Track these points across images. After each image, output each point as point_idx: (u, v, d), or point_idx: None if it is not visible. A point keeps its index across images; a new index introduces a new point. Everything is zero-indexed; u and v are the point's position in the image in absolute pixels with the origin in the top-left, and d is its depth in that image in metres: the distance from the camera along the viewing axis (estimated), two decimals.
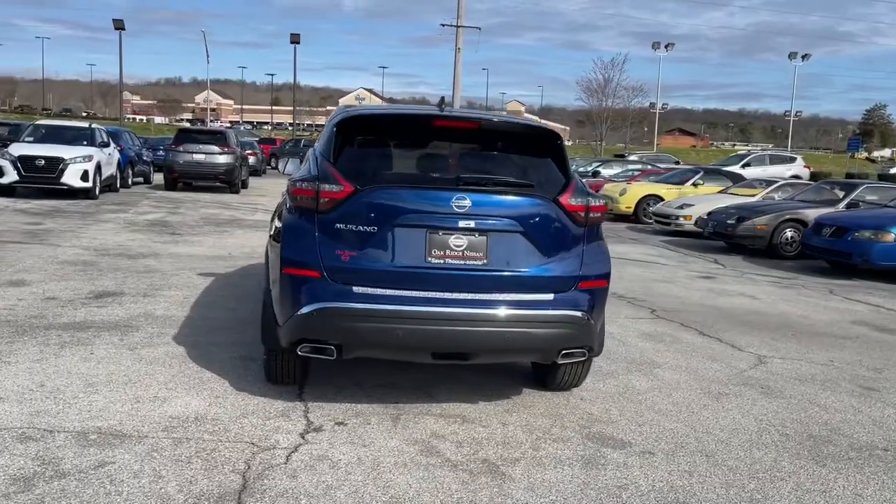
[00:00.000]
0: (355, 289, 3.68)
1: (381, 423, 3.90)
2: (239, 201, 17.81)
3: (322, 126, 5.55)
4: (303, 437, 3.65)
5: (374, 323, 3.66)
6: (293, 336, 3.75)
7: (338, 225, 3.72)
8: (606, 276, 4.05)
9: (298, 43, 53.08)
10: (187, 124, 70.97)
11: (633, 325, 6.61)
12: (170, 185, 19.59)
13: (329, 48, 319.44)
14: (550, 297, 3.85)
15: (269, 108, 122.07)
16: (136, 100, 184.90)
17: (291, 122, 76.49)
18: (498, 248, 3.80)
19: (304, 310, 3.69)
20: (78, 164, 15.04)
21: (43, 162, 14.77)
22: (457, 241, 3.74)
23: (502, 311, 3.74)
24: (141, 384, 4.27)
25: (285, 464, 3.34)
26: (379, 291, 3.69)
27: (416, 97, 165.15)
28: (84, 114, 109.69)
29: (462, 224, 3.74)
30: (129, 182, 19.81)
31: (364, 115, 4.04)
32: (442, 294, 3.71)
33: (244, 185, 21.99)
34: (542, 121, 5.96)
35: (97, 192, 15.62)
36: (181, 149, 19.17)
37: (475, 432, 3.86)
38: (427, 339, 3.72)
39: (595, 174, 22.89)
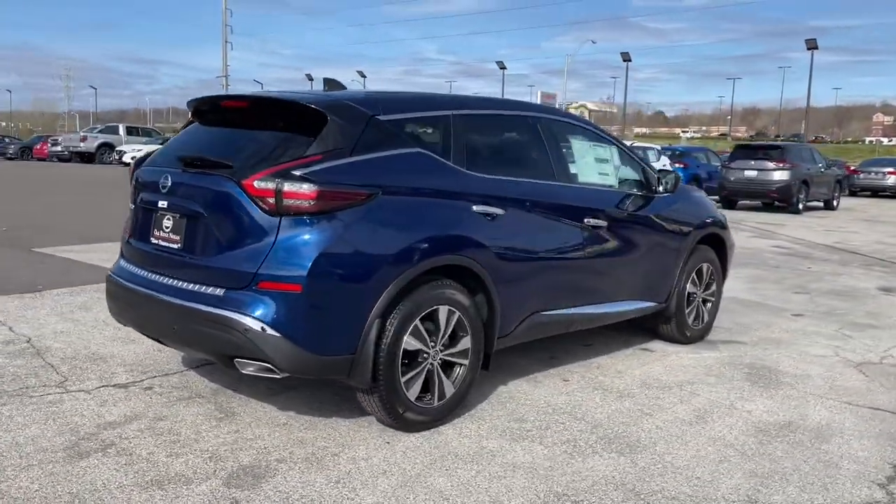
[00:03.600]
0: (120, 261, 3.99)
1: (171, 397, 4.04)
2: (785, 223, 16.21)
3: None
4: (91, 389, 4.14)
5: (109, 296, 3.91)
6: None
7: (130, 202, 4.08)
8: (299, 280, 3.21)
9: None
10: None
11: (804, 408, 4.30)
12: (724, 203, 19.06)
13: None
14: (220, 292, 3.34)
15: None
16: (888, 121, 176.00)
17: None
18: (192, 231, 3.51)
19: None
20: None
21: None
22: (167, 221, 3.64)
23: (177, 301, 3.46)
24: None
25: (15, 396, 3.96)
26: (123, 265, 3.90)
27: None
28: (813, 138, 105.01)
29: (161, 203, 3.62)
30: None
31: (196, 98, 4.13)
32: (152, 275, 3.68)
33: (830, 205, 19.73)
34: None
35: None
36: (734, 165, 18.46)
37: (187, 426, 3.66)
38: (128, 318, 3.76)
39: None
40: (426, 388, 3.68)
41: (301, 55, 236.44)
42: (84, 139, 36.34)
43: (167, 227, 3.61)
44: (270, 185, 3.23)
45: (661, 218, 5.09)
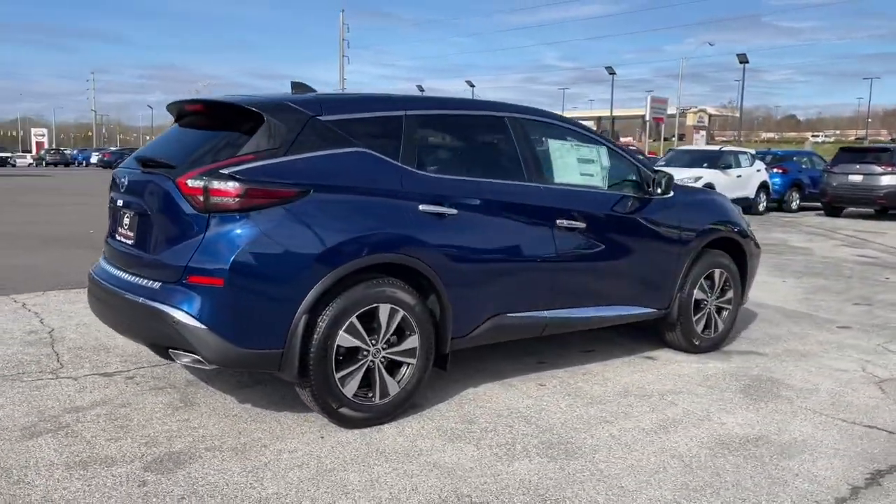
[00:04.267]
0: (100, 259, 4.25)
1: (145, 387, 4.29)
2: (887, 231, 15.07)
3: None
4: (78, 377, 4.45)
5: (88, 292, 4.17)
6: None
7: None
8: (221, 274, 3.33)
9: None
10: None
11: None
12: (827, 210, 17.92)
13: None
14: (157, 286, 3.51)
15: None
16: None
17: None
18: (141, 228, 3.71)
19: None
20: None
21: None
22: (126, 219, 3.86)
23: (126, 293, 3.66)
24: None
25: (8, 380, 4.31)
26: (100, 262, 4.15)
27: None
28: None
29: (120, 202, 3.85)
30: (793, 206, 19.03)
31: (172, 102, 4.29)
32: (114, 270, 3.90)
33: None
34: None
35: None
36: (836, 170, 17.33)
37: (143, 413, 3.87)
38: (98, 312, 3.99)
39: None
40: (369, 385, 3.71)
41: (417, 66, 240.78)
42: None
43: (126, 225, 3.84)
44: (199, 184, 3.38)
45: (656, 220, 4.89)
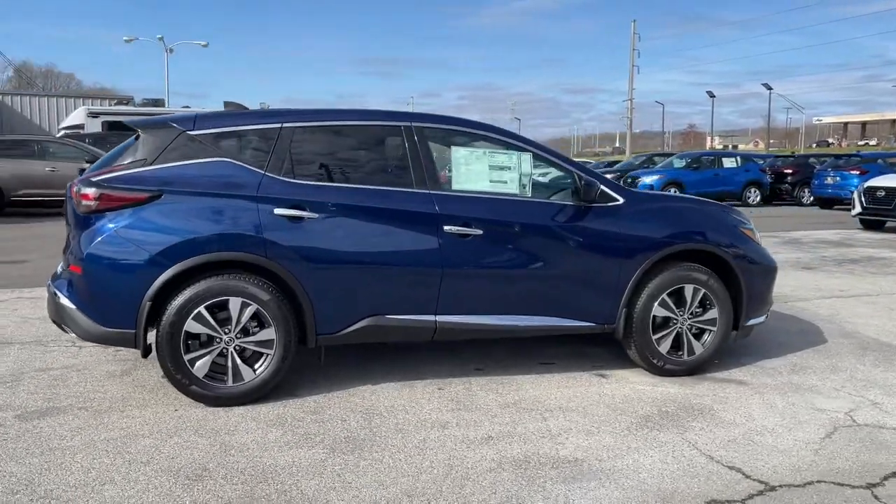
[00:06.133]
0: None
1: (117, 358, 5.20)
2: None
3: None
4: (83, 346, 5.50)
5: None
6: None
7: None
8: (80, 263, 4.02)
9: None
10: None
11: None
12: None
13: None
14: (58, 272, 4.35)
15: None
16: None
17: None
18: (67, 228, 4.58)
19: None
20: None
21: (883, 193, 13.96)
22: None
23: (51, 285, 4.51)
24: None
25: (31, 343, 5.49)
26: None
27: None
28: None
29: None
30: None
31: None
32: (59, 268, 4.78)
33: None
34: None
35: None
36: None
37: (84, 377, 4.75)
38: None
39: None
40: (224, 369, 4.17)
41: (729, 71, 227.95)
42: None
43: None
44: (75, 189, 4.13)
45: (587, 229, 4.60)
